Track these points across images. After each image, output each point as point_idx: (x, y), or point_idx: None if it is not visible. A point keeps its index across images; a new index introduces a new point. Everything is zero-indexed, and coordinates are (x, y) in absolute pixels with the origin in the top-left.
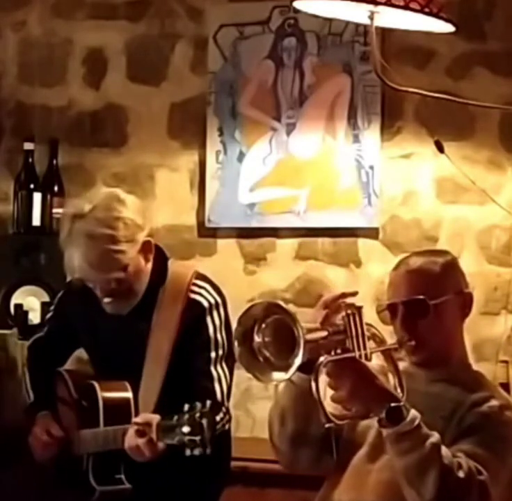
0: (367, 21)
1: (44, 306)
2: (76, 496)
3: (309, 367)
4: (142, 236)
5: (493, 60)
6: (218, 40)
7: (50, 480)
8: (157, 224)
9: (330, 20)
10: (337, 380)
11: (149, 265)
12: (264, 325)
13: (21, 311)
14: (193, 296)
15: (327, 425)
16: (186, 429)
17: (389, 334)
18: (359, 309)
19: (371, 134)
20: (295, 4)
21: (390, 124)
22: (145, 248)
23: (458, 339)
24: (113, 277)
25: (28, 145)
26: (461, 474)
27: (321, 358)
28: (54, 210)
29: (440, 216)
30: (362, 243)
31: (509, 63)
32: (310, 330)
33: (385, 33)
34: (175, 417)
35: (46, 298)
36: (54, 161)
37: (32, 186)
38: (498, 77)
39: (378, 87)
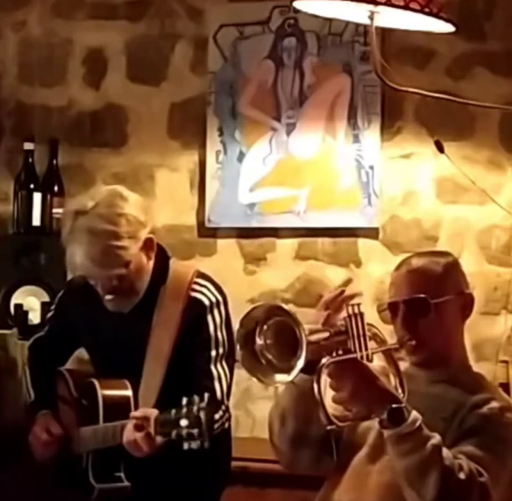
0: (367, 21)
1: (44, 306)
2: (76, 496)
3: (310, 368)
4: (144, 233)
5: (493, 60)
6: (218, 40)
7: (50, 480)
8: (157, 224)
9: (330, 20)
10: (339, 381)
11: (151, 263)
12: (265, 328)
13: (21, 311)
14: (193, 294)
15: (329, 427)
16: (184, 423)
17: (389, 333)
18: (360, 309)
19: (371, 134)
20: (295, 4)
21: (390, 124)
22: (147, 245)
23: (458, 339)
24: (114, 274)
25: (28, 145)
26: (462, 475)
27: (323, 360)
28: (54, 210)
29: (440, 216)
30: (362, 243)
31: (509, 63)
32: (312, 332)
33: (385, 33)
34: (173, 411)
35: (46, 298)
36: (54, 161)
37: (32, 186)
38: (498, 77)
39: (378, 87)
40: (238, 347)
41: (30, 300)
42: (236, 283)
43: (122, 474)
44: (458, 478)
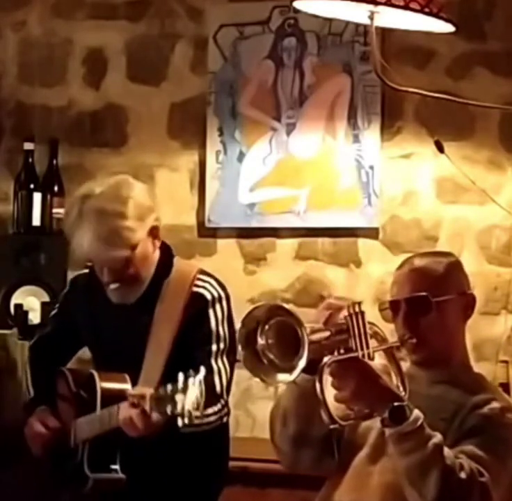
0: (367, 21)
1: (44, 306)
2: (72, 491)
3: (311, 367)
4: (151, 219)
5: (493, 60)
6: (218, 40)
7: (50, 480)
8: None
9: (330, 20)
10: (341, 380)
11: (156, 254)
12: (267, 327)
13: (21, 311)
14: (196, 289)
15: (332, 426)
16: (179, 397)
17: (389, 332)
18: (361, 308)
19: (371, 134)
20: (295, 4)
21: (390, 124)
22: (153, 232)
23: (459, 340)
24: (122, 256)
25: (28, 145)
26: (463, 475)
27: (325, 359)
28: (54, 210)
29: (440, 216)
30: (362, 243)
31: (509, 63)
32: (313, 331)
33: (385, 33)
34: (169, 387)
35: (46, 298)
36: (54, 161)
37: (32, 186)
38: (498, 77)
39: (378, 87)
40: (240, 347)
41: (30, 300)
42: (236, 283)
43: (117, 467)
44: (459, 477)
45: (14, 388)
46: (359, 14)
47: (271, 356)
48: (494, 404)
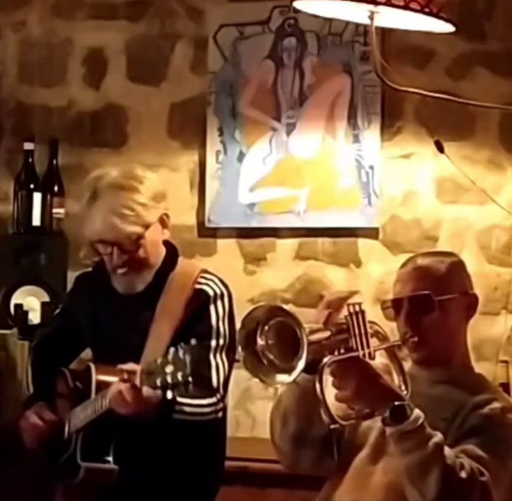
0: (367, 21)
1: (44, 306)
2: (66, 483)
3: (311, 367)
4: (162, 206)
5: (493, 60)
6: (218, 40)
7: (49, 480)
8: None
9: (330, 20)
10: (341, 379)
11: (163, 248)
12: (266, 328)
13: (21, 311)
14: (199, 286)
15: (332, 426)
16: (169, 369)
17: (390, 331)
18: (361, 307)
19: (371, 134)
20: (295, 4)
21: (390, 124)
22: (163, 220)
23: (461, 339)
24: (134, 232)
25: (28, 145)
26: (463, 474)
27: (325, 359)
28: (54, 210)
29: (439, 216)
30: (362, 243)
31: (509, 63)
32: (313, 331)
33: (385, 33)
34: (159, 360)
35: (46, 298)
36: (54, 161)
37: (32, 186)
38: (498, 77)
39: (378, 87)
40: (239, 348)
41: (30, 300)
42: (236, 283)
43: (110, 459)
44: (459, 476)
45: (14, 388)
46: (359, 14)
47: (271, 357)
48: (495, 404)
